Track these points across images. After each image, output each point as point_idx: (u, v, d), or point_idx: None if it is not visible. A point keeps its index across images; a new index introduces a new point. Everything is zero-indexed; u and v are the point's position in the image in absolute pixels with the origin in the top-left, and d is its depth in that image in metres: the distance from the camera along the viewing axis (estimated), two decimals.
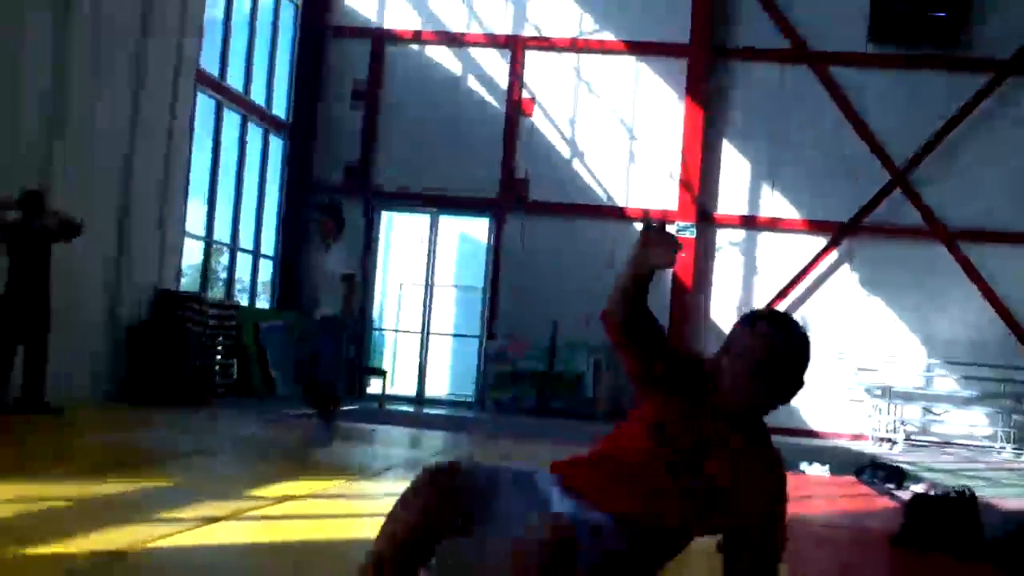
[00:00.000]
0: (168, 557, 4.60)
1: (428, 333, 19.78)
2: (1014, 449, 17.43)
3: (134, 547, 4.63)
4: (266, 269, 18.88)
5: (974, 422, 18.39)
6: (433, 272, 19.77)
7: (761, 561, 3.16)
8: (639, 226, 18.81)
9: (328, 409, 9.90)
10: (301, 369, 10.28)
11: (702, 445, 3.11)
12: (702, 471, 3.08)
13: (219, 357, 15.07)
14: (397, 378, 20.35)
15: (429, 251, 19.75)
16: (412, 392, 19.66)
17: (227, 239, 17.25)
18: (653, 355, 3.24)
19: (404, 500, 2.99)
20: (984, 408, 18.28)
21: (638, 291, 3.15)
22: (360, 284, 10.24)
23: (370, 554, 2.97)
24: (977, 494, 8.70)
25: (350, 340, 10.18)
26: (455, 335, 20.66)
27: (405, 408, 17.70)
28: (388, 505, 6.78)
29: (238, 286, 17.82)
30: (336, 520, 5.96)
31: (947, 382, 18.59)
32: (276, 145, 18.83)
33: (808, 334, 3.32)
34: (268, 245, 18.77)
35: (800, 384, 3.25)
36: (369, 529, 5.88)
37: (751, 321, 3.26)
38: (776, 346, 3.17)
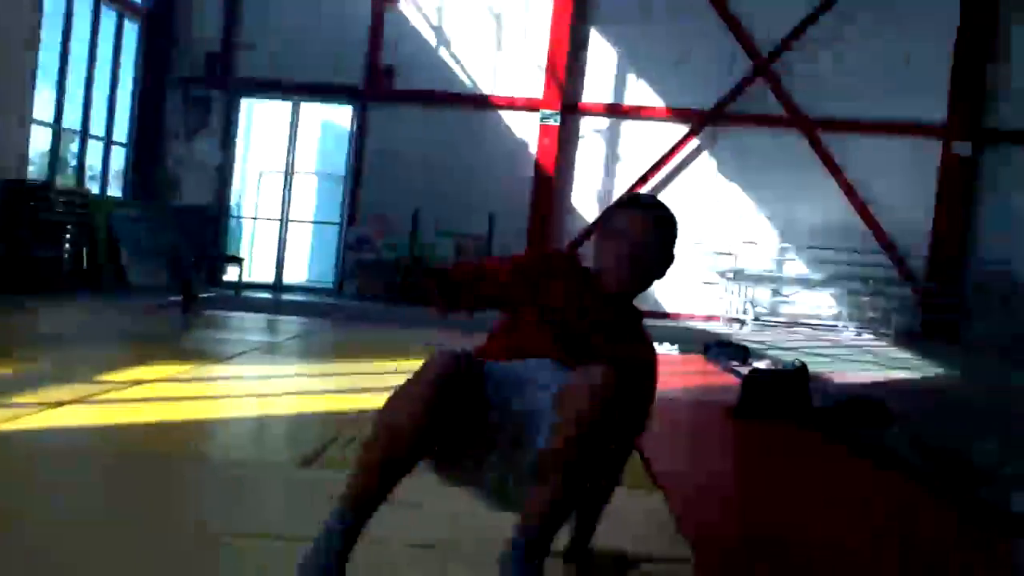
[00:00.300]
0: (8, 441, 4.56)
1: (287, 220, 19.59)
2: (856, 328, 18.13)
3: None
4: (119, 157, 18.39)
5: (821, 303, 19.04)
6: (293, 160, 19.52)
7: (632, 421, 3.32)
8: (502, 114, 18.89)
9: (190, 296, 10.16)
10: (171, 257, 10.47)
11: (593, 326, 3.27)
12: (591, 347, 3.22)
13: (68, 246, 14.72)
14: (255, 266, 20.16)
15: (290, 139, 19.47)
16: (270, 280, 19.53)
17: (77, 126, 16.73)
18: (509, 295, 3.31)
19: (419, 376, 2.80)
20: (830, 290, 18.92)
21: (450, 296, 3.22)
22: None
23: (383, 427, 2.78)
24: (818, 370, 9.10)
25: (214, 229, 10.33)
26: (315, 222, 20.50)
27: (263, 295, 17.57)
28: (241, 386, 6.81)
29: (89, 174, 17.34)
30: (187, 402, 5.95)
31: (797, 266, 19.16)
32: (131, 30, 18.21)
33: (673, 213, 3.54)
34: (121, 133, 18.27)
35: (672, 259, 3.46)
36: (221, 410, 5.96)
37: (626, 205, 3.48)
38: (650, 226, 3.40)
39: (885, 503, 4.74)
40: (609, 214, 3.48)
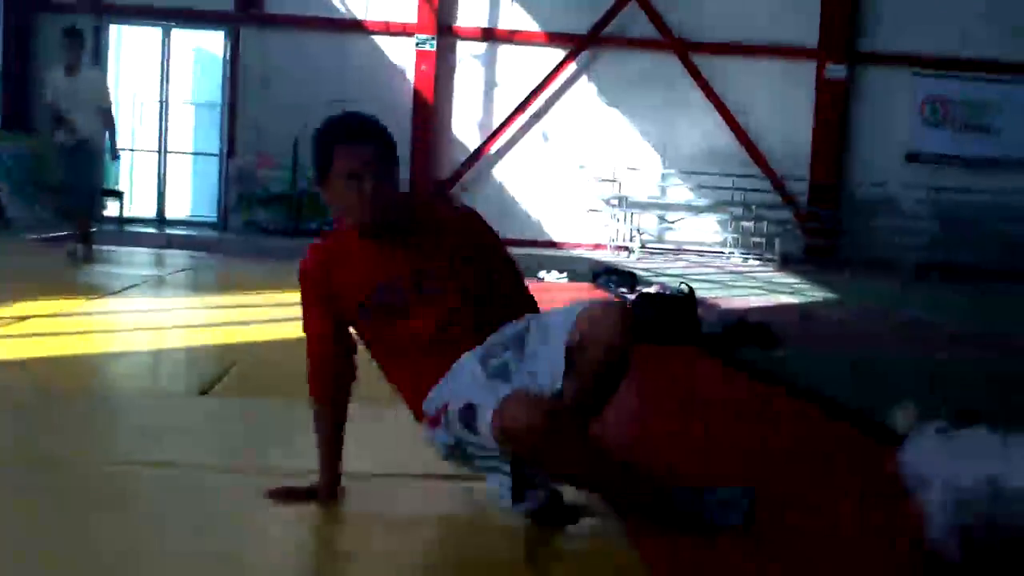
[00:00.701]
0: None
1: (165, 152, 19.19)
2: (741, 254, 18.48)
3: None
4: None
5: (706, 230, 19.34)
6: (167, 88, 19.09)
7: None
8: (377, 39, 18.65)
9: (88, 232, 10.20)
10: (68, 193, 10.38)
11: (416, 274, 3.15)
12: (448, 275, 3.16)
13: None
14: (136, 200, 19.74)
15: (162, 67, 19.03)
16: (152, 214, 19.17)
17: None
18: (343, 320, 3.20)
19: None
20: (715, 216, 19.22)
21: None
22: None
23: None
24: (705, 295, 9.29)
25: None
26: (195, 153, 20.09)
27: (146, 230, 17.26)
28: (132, 320, 6.73)
29: None
30: (77, 336, 5.87)
31: (681, 191, 19.41)
32: None
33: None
34: None
35: (394, 144, 3.21)
36: (113, 344, 5.90)
37: (332, 137, 3.22)
38: (382, 142, 3.18)
39: (769, 414, 4.91)
40: (327, 154, 3.19)
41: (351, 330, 3.22)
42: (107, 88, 10.48)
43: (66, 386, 4.59)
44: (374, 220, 3.11)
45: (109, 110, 10.29)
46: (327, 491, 3.10)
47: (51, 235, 12.63)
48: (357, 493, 3.13)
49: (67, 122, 10.04)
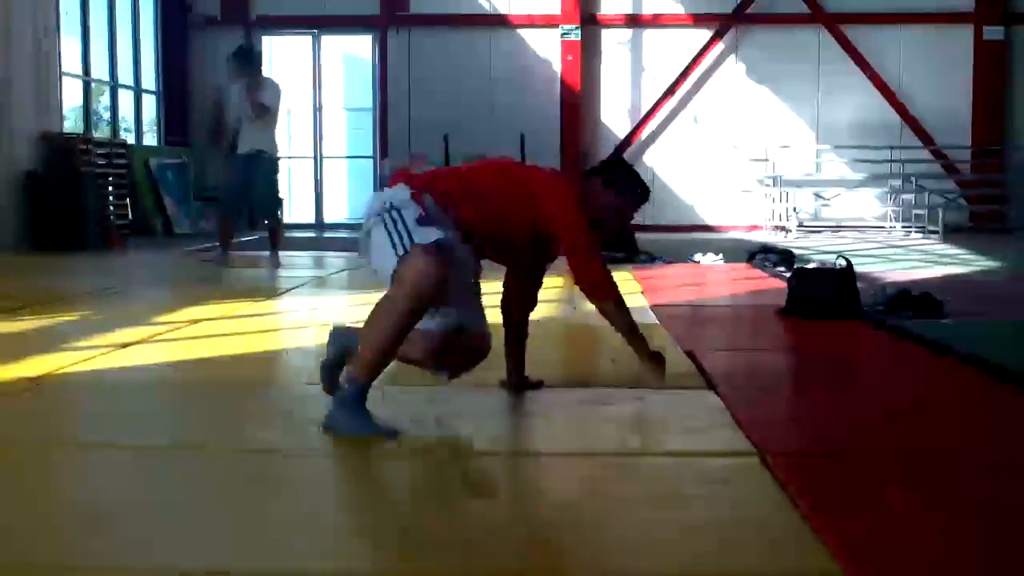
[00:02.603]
0: (83, 380, 4.69)
1: (321, 158, 19.69)
2: (903, 227, 18.05)
3: (49, 374, 4.72)
4: (149, 105, 18.50)
5: (865, 205, 18.94)
6: (320, 95, 19.56)
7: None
8: (522, 33, 18.72)
9: (228, 240, 10.62)
10: (235, 202, 10.85)
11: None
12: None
13: (112, 198, 14.87)
14: (294, 206, 20.28)
15: (314, 74, 19.50)
16: (311, 219, 19.66)
17: (106, 76, 16.81)
18: None
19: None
20: (873, 189, 18.81)
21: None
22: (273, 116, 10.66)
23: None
24: (867, 270, 9.12)
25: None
26: (349, 157, 20.54)
27: (306, 235, 17.71)
28: (299, 318, 6.93)
29: (123, 125, 17.46)
30: (247, 336, 6.08)
31: (837, 167, 19.07)
32: None
33: None
34: (149, 80, 18.36)
35: None
36: (281, 341, 6.09)
37: (645, 197, 4.23)
38: None
39: (942, 389, 4.79)
40: (631, 187, 4.17)
41: None
42: (278, 102, 10.79)
43: (241, 380, 4.77)
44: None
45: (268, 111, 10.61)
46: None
47: (213, 244, 13.06)
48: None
49: (229, 134, 10.46)
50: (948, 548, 2.61)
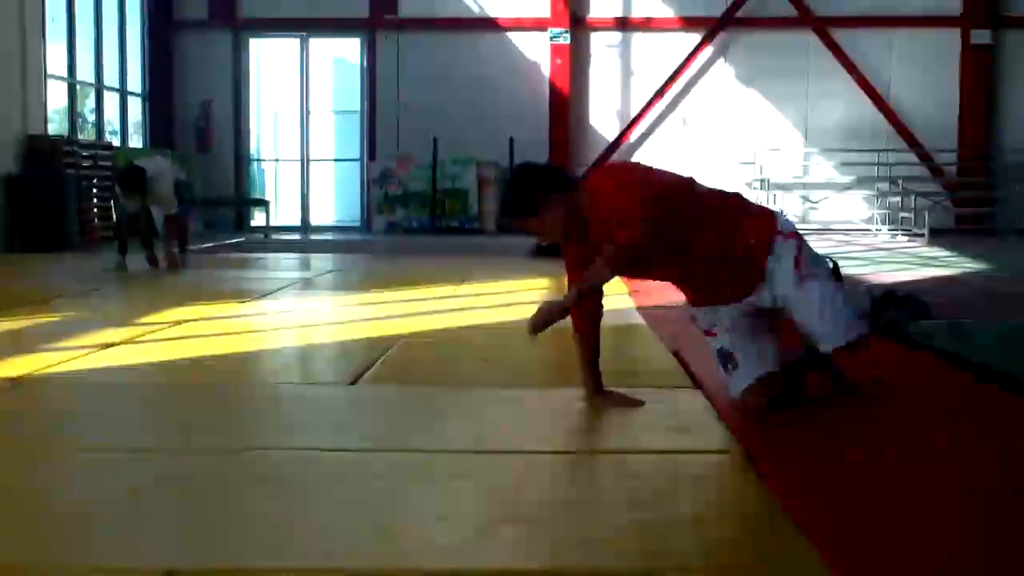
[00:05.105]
0: (66, 380, 4.66)
1: (308, 160, 19.65)
2: (890, 230, 18.06)
3: (31, 374, 4.69)
4: (135, 108, 18.45)
5: (852, 208, 18.97)
6: (307, 98, 19.52)
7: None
8: (511, 36, 18.72)
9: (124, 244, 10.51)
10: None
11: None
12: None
13: (96, 200, 14.82)
14: (281, 208, 20.25)
15: (302, 76, 19.46)
16: (297, 221, 19.63)
17: (91, 79, 16.75)
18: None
19: None
20: (860, 192, 18.84)
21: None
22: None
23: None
24: (853, 272, 9.12)
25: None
26: (336, 160, 20.50)
27: (292, 237, 17.68)
28: (283, 319, 6.89)
29: (108, 128, 17.40)
30: (231, 336, 6.04)
31: (825, 170, 19.10)
32: None
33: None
34: (135, 82, 18.31)
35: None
36: (265, 341, 6.06)
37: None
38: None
39: (919, 380, 4.80)
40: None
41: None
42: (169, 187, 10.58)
43: (224, 380, 4.74)
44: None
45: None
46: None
47: (204, 246, 13.03)
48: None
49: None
50: (930, 541, 2.60)
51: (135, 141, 18.30)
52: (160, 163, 10.76)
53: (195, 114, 18.85)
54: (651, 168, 4.20)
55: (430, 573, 2.43)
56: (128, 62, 17.93)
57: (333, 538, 2.63)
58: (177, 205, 10.59)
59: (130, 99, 18.11)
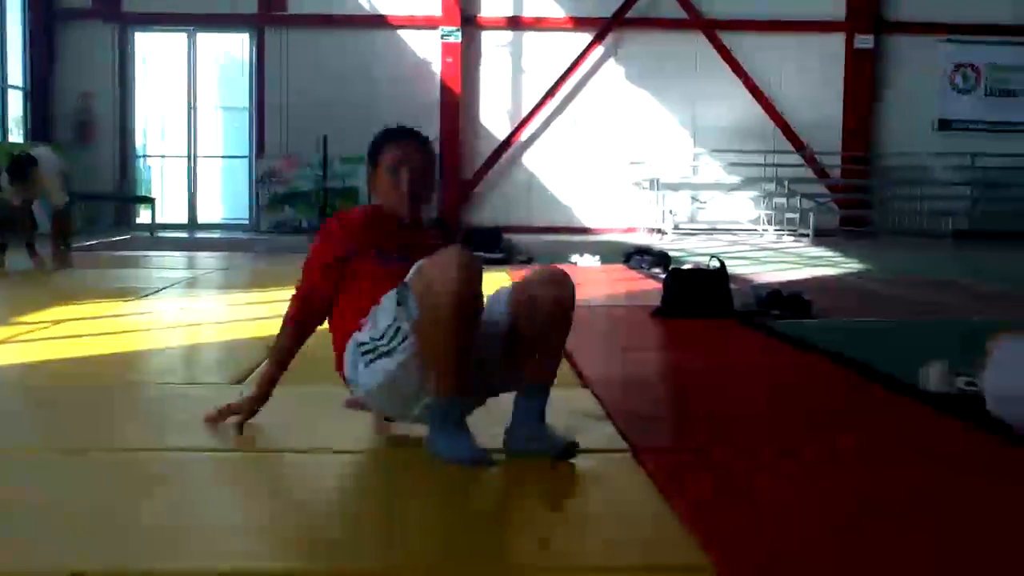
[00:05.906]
0: None
1: (195, 157, 19.34)
2: (776, 230, 18.38)
3: None
4: (16, 101, 17.97)
5: (738, 207, 19.26)
6: (195, 94, 19.21)
7: None
8: (402, 33, 18.63)
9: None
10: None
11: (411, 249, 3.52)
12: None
13: None
14: (167, 206, 19.87)
15: (189, 72, 19.15)
16: (184, 219, 19.31)
17: None
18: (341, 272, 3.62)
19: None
20: (748, 193, 19.14)
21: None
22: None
23: None
24: (739, 272, 9.25)
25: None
26: (224, 157, 20.20)
27: (178, 235, 17.37)
28: (166, 319, 6.76)
29: None
30: (113, 336, 5.90)
31: (713, 171, 19.35)
32: None
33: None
34: (15, 75, 17.83)
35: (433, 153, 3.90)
36: (148, 341, 5.93)
37: (395, 136, 3.85)
38: (425, 148, 3.82)
39: (803, 379, 4.87)
40: (382, 150, 3.79)
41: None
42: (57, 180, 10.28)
43: (104, 381, 4.62)
44: (400, 209, 3.69)
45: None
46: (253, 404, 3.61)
47: (86, 243, 12.74)
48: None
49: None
50: (816, 540, 2.64)
51: (15, 136, 17.81)
52: (47, 154, 10.46)
53: (74, 107, 18.41)
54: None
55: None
56: (8, 54, 17.45)
57: (216, 535, 2.59)
58: (65, 199, 10.30)
59: (10, 92, 17.62)
